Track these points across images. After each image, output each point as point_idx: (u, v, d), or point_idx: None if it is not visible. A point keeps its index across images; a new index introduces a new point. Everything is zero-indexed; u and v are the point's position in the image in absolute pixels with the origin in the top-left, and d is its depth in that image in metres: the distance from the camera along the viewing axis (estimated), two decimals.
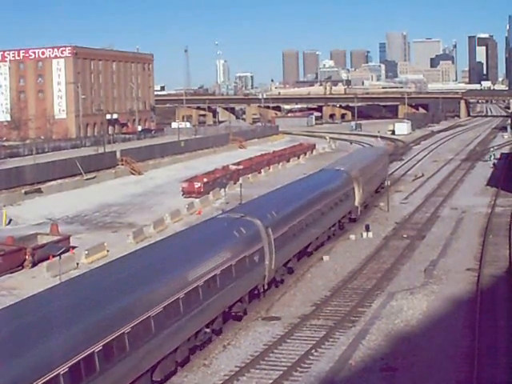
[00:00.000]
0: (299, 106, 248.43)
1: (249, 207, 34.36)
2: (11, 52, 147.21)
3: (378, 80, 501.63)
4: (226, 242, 27.85)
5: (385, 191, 57.85)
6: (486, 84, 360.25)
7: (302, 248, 36.84)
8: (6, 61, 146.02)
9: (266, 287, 30.87)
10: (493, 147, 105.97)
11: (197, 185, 63.66)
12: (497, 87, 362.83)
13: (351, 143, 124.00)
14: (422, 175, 74.80)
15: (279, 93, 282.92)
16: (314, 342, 26.06)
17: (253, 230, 29.74)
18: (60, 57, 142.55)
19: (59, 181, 69.96)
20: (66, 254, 37.62)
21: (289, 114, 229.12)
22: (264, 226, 30.30)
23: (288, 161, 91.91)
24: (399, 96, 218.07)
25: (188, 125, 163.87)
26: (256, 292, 30.36)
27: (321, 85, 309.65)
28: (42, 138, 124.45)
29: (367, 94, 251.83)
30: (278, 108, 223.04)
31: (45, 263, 37.02)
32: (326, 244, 41.66)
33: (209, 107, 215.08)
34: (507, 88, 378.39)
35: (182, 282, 23.16)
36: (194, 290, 23.51)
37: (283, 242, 32.25)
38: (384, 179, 60.22)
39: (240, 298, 28.05)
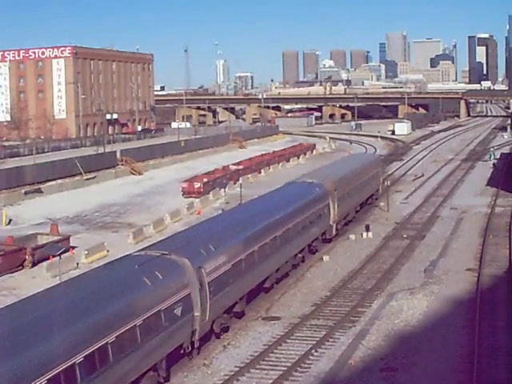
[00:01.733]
0: (299, 105, 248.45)
1: (177, 241, 26.66)
2: (11, 52, 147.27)
3: (378, 80, 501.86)
4: (129, 295, 20.93)
5: (383, 193, 57.80)
6: (485, 84, 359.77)
7: (255, 286, 30.34)
8: (6, 61, 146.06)
9: (197, 344, 24.45)
10: (493, 147, 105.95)
11: (197, 185, 63.65)
12: (497, 87, 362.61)
13: (351, 143, 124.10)
14: (422, 175, 74.81)
15: (279, 93, 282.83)
16: (314, 342, 26.06)
17: (175, 273, 23.32)
18: (60, 57, 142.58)
19: (59, 181, 69.95)
20: (66, 254, 37.60)
21: (289, 114, 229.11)
22: (194, 267, 23.97)
23: (288, 161, 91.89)
24: (399, 96, 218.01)
25: (188, 125, 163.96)
26: (182, 351, 23.87)
27: (321, 85, 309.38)
28: (42, 137, 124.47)
29: (367, 94, 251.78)
30: (277, 108, 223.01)
31: (45, 263, 37.01)
32: (291, 273, 35.57)
33: (209, 107, 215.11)
34: (507, 88, 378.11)
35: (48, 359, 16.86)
36: (67, 370, 17.08)
37: (224, 283, 25.94)
38: (376, 189, 56.47)
39: (153, 367, 21.51)
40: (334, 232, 42.22)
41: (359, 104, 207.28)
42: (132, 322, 20.02)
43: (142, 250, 25.54)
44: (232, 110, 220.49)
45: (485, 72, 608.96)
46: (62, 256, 33.17)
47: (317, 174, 46.40)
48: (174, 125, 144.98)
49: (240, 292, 28.14)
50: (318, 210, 39.07)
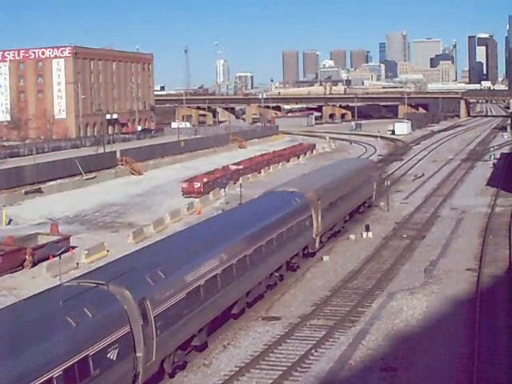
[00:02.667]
0: (299, 105, 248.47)
1: (119, 267, 22.57)
2: (11, 52, 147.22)
3: (378, 80, 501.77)
4: (43, 341, 17.19)
5: (384, 192, 57.81)
6: (485, 84, 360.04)
7: (220, 314, 26.48)
8: (5, 61, 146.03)
9: None
10: (493, 147, 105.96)
11: (197, 185, 63.66)
12: (497, 87, 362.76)
13: (351, 143, 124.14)
14: (422, 175, 74.83)
15: (279, 93, 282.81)
16: (314, 342, 26.06)
17: (110, 308, 19.77)
18: (60, 57, 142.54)
19: (59, 181, 69.97)
20: (66, 254, 37.62)
21: (289, 114, 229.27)
22: (136, 299, 20.31)
23: (288, 161, 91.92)
24: (399, 96, 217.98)
25: (188, 125, 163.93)
26: None
27: (321, 85, 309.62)
28: (42, 138, 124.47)
29: (367, 93, 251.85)
30: (277, 108, 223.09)
31: (45, 263, 37.02)
32: (266, 294, 32.08)
33: (209, 107, 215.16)
34: (507, 88, 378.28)
35: None
36: None
37: (176, 316, 22.18)
38: (369, 196, 53.29)
39: None
40: (317, 245, 38.69)
41: (359, 104, 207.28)
42: (47, 374, 16.40)
43: (78, 277, 22.04)
44: (232, 110, 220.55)
45: (485, 72, 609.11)
46: (62, 256, 33.22)
47: (299, 182, 42.73)
48: (174, 125, 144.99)
49: (198, 324, 24.12)
50: (299, 222, 35.20)
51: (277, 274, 32.95)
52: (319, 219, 38.16)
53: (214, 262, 25.69)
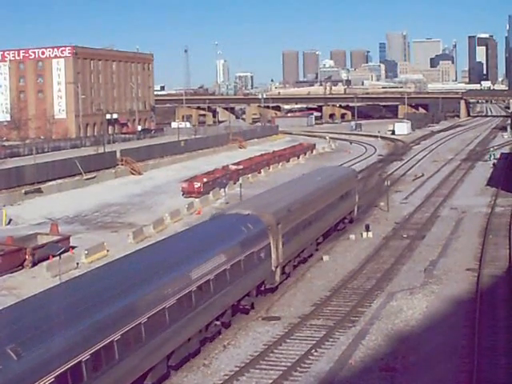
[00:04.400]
0: (299, 105, 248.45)
1: None
2: (11, 52, 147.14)
3: (378, 80, 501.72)
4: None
5: (384, 192, 57.82)
6: (485, 84, 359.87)
7: None
8: (6, 61, 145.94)
9: None
10: (493, 147, 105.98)
11: (197, 185, 63.67)
12: (497, 87, 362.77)
13: (351, 143, 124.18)
14: (422, 175, 74.84)
15: (279, 93, 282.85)
16: (314, 342, 26.07)
17: None
18: (60, 57, 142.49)
19: (59, 181, 69.96)
20: (66, 254, 37.66)
21: (289, 114, 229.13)
22: None
23: (288, 161, 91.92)
24: (399, 96, 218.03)
25: (188, 125, 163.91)
26: None
27: (321, 85, 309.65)
28: (42, 137, 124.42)
29: (367, 94, 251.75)
30: (277, 108, 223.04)
31: (45, 263, 37.04)
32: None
33: (209, 107, 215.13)
34: (507, 88, 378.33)
35: None
36: None
37: None
38: (350, 211, 47.34)
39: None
40: (277, 279, 32.13)
41: (359, 104, 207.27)
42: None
43: None
44: (232, 110, 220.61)
45: (485, 72, 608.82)
46: (62, 256, 33.24)
47: (256, 202, 35.89)
48: (174, 125, 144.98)
49: None
50: (250, 254, 28.60)
51: (218, 323, 26.16)
52: (280, 247, 31.78)
53: (114, 319, 19.30)
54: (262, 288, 31.33)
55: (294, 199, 36.50)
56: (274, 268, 31.56)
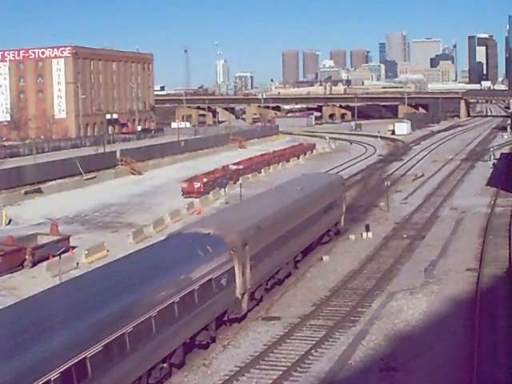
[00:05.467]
0: (299, 105, 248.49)
1: None
2: (11, 52, 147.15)
3: (378, 80, 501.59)
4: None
5: (384, 192, 57.82)
6: (485, 84, 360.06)
7: None
8: (6, 61, 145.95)
9: None
10: (493, 147, 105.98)
11: (197, 185, 63.67)
12: (497, 87, 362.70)
13: (351, 143, 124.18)
14: (422, 175, 74.83)
15: (279, 93, 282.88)
16: (314, 342, 26.07)
17: None
18: (60, 57, 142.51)
19: (59, 181, 69.97)
20: (66, 254, 37.64)
21: (289, 114, 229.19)
22: None
23: (288, 161, 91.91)
24: (399, 96, 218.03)
25: (188, 125, 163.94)
26: None
27: (321, 85, 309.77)
28: (42, 137, 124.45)
29: (367, 93, 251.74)
30: (277, 108, 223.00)
31: (45, 263, 37.02)
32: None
33: (209, 107, 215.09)
34: (507, 88, 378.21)
35: None
36: None
37: None
38: (335, 223, 43.49)
39: None
40: (245, 307, 28.28)
41: (359, 104, 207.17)
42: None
43: None
44: (232, 110, 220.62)
45: (485, 72, 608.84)
46: (62, 256, 33.21)
47: (220, 219, 31.86)
48: (174, 125, 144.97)
49: None
50: (208, 283, 24.83)
51: (165, 366, 22.52)
52: (247, 271, 27.95)
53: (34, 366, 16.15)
54: (226, 318, 27.47)
55: (266, 214, 32.22)
56: (239, 295, 27.58)
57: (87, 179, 72.97)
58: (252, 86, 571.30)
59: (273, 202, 35.77)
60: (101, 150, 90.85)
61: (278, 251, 31.88)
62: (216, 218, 33.07)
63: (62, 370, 16.67)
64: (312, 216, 37.41)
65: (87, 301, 19.50)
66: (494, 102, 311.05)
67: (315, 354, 25.11)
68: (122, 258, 26.12)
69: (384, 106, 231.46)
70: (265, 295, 31.35)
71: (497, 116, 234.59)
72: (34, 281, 35.10)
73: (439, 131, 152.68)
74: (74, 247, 41.69)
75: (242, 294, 27.88)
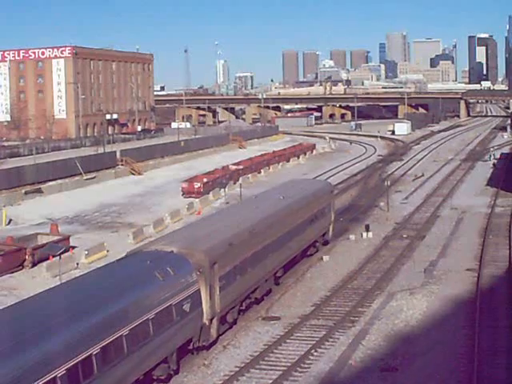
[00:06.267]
0: (299, 106, 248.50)
1: None
2: (11, 52, 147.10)
3: (378, 80, 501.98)
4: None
5: (384, 192, 57.81)
6: (485, 84, 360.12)
7: None
8: (6, 61, 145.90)
9: None
10: (493, 147, 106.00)
11: (197, 185, 63.66)
12: (497, 87, 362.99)
13: (351, 143, 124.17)
14: (422, 175, 74.83)
15: (279, 93, 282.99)
16: (314, 342, 26.06)
17: None
18: (60, 57, 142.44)
19: (59, 181, 69.96)
20: (66, 254, 37.63)
21: (289, 114, 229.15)
22: None
23: (288, 161, 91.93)
24: (399, 96, 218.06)
25: (188, 125, 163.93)
26: None
27: (321, 85, 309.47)
28: (42, 138, 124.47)
29: (367, 94, 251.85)
30: (277, 108, 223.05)
31: (45, 263, 37.03)
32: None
33: (209, 107, 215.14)
34: (507, 88, 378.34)
35: None
36: None
37: None
38: (323, 233, 40.88)
39: None
40: (213, 333, 25.44)
41: (359, 104, 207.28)
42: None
43: None
44: (232, 110, 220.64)
45: (485, 72, 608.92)
46: (62, 256, 33.23)
47: (186, 235, 28.00)
48: (174, 125, 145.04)
49: None
50: (166, 310, 21.93)
51: None
52: (216, 293, 25.23)
53: None
54: (191, 347, 24.69)
55: (240, 228, 29.11)
56: (206, 321, 24.74)
57: (87, 179, 72.96)
58: (252, 86, 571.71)
59: (250, 213, 32.49)
60: (101, 150, 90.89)
61: (254, 268, 29.03)
62: (182, 234, 28.74)
63: None
64: (295, 227, 34.75)
65: (5, 344, 16.36)
66: (493, 102, 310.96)
67: (315, 354, 25.11)
68: (63, 283, 23.35)
69: (384, 106, 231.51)
70: (238, 318, 28.24)
71: (497, 116, 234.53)
72: (34, 281, 35.11)
73: (439, 131, 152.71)
74: (73, 247, 41.68)
75: (211, 320, 25.03)
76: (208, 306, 24.67)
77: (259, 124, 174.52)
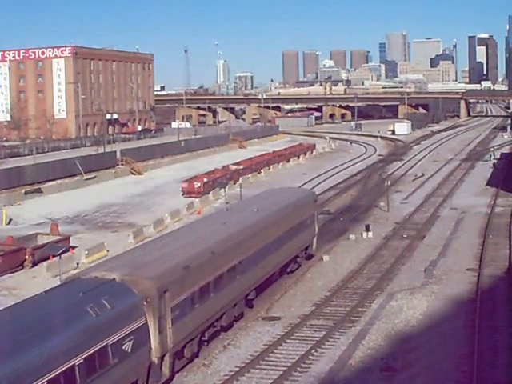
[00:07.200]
0: (299, 105, 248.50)
1: None
2: (11, 52, 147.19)
3: (378, 80, 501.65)
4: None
5: (384, 192, 57.82)
6: (486, 84, 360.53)
7: None
8: (6, 61, 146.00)
9: None
10: (493, 147, 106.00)
11: (197, 185, 63.66)
12: (497, 87, 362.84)
13: (351, 143, 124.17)
14: (422, 175, 74.84)
15: (279, 93, 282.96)
16: (314, 342, 26.06)
17: None
18: (60, 57, 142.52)
19: (59, 181, 69.96)
20: (66, 254, 37.63)
21: (289, 114, 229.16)
22: None
23: (288, 161, 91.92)
24: (399, 96, 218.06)
25: (188, 125, 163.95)
26: None
27: (321, 85, 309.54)
28: (42, 138, 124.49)
29: (367, 94, 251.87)
30: (277, 108, 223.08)
31: (45, 263, 37.05)
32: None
33: (209, 107, 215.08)
34: (507, 88, 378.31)
35: None
36: None
37: None
38: (305, 247, 37.39)
39: None
40: (166, 371, 22.10)
41: (359, 104, 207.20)
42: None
43: None
44: (232, 110, 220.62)
45: (485, 72, 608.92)
46: (62, 256, 33.21)
47: (132, 259, 23.98)
48: (174, 125, 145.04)
49: None
50: (102, 351, 18.54)
51: None
52: (168, 326, 21.84)
53: None
54: None
55: (199, 248, 25.40)
56: (155, 359, 21.37)
57: (87, 179, 72.97)
58: (252, 86, 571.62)
59: (214, 230, 28.53)
60: (101, 150, 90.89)
61: (218, 293, 25.44)
62: (128, 257, 24.43)
63: None
64: (271, 243, 31.13)
65: None
66: (494, 101, 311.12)
67: (315, 354, 25.11)
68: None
69: (384, 106, 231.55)
70: (201, 349, 25.16)
71: (497, 116, 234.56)
72: (34, 281, 35.11)
73: (439, 131, 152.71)
74: (74, 247, 41.69)
75: (161, 357, 21.67)
76: (157, 342, 21.19)
77: (259, 124, 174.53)
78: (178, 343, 22.55)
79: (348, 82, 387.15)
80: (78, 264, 37.77)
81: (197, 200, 59.28)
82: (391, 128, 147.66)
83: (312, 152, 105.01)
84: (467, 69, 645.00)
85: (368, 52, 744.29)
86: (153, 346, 21.11)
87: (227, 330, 27.50)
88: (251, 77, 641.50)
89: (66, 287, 21.15)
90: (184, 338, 23.10)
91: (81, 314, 18.69)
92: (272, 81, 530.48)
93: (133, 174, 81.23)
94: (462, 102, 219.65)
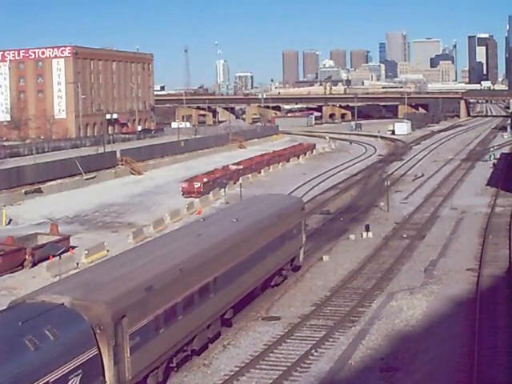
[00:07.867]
0: (299, 105, 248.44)
1: None
2: (11, 52, 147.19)
3: (378, 80, 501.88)
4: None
5: (384, 192, 57.82)
6: (485, 84, 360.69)
7: None
8: (6, 61, 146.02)
9: None
10: (493, 147, 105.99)
11: (197, 185, 63.66)
12: (497, 87, 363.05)
13: (351, 143, 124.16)
14: (422, 175, 74.84)
15: (279, 93, 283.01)
16: (314, 342, 26.07)
17: None
18: (60, 57, 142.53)
19: (59, 181, 69.97)
20: (66, 254, 37.65)
21: (289, 114, 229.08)
22: None
23: (288, 161, 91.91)
24: (399, 96, 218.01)
25: (188, 125, 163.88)
26: None
27: (321, 85, 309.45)
28: (42, 137, 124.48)
29: (367, 93, 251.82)
30: (277, 108, 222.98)
31: (45, 263, 37.05)
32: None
33: (209, 107, 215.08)
34: (507, 88, 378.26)
35: None
36: None
37: None
38: (291, 258, 34.75)
39: None
40: None
41: (359, 104, 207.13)
42: None
43: None
44: (232, 110, 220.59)
45: (485, 72, 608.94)
46: (62, 256, 33.23)
47: (85, 280, 20.90)
48: (174, 125, 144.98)
49: None
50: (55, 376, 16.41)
51: None
52: (126, 356, 19.39)
53: None
54: None
55: (164, 266, 22.73)
56: None
57: (87, 179, 72.97)
58: (252, 85, 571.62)
59: (183, 244, 25.65)
60: (101, 150, 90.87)
61: (188, 315, 23.05)
62: (84, 277, 21.42)
63: None
64: (252, 256, 28.66)
65: None
66: (494, 101, 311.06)
67: (315, 353, 25.11)
68: None
69: (384, 106, 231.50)
70: (170, 375, 23.02)
71: (497, 116, 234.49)
72: (34, 281, 35.08)
73: (439, 131, 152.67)
74: (74, 247, 41.69)
75: None
76: (112, 374, 18.66)
77: (259, 124, 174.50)
78: (138, 373, 20.12)
79: (348, 82, 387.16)
80: (77, 264, 37.77)
81: (197, 200, 59.28)
82: (391, 128, 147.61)
83: (312, 152, 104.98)
84: (467, 69, 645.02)
85: (368, 52, 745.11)
86: (107, 379, 18.54)
87: (200, 354, 25.00)
88: (251, 77, 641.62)
89: (3, 315, 18.06)
90: (146, 367, 20.66)
91: (16, 349, 16.11)
92: (272, 81, 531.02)
93: (133, 173, 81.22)
94: (462, 102, 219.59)
